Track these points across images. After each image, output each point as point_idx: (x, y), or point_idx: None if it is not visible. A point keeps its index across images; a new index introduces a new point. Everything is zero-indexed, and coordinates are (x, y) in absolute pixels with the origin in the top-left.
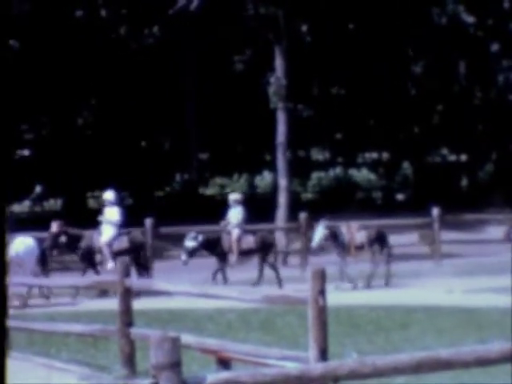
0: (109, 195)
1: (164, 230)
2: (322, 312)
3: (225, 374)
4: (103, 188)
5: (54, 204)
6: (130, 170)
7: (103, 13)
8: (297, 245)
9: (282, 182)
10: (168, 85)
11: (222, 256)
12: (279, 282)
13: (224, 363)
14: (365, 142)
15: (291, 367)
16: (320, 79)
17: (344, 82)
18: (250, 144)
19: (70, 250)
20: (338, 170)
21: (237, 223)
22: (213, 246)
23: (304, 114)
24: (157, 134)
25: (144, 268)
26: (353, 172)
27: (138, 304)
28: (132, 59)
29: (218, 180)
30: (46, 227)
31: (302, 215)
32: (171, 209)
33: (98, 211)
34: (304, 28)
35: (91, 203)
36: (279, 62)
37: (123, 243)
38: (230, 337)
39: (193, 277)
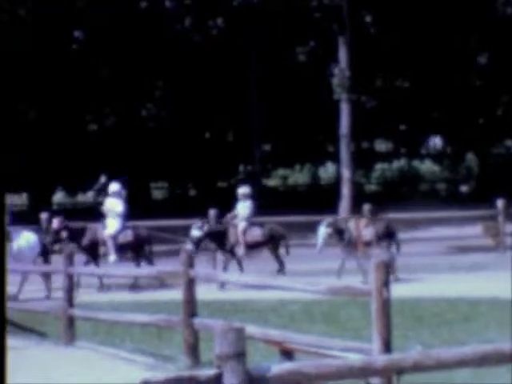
0: (114, 186)
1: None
2: (386, 304)
3: (288, 365)
4: (167, 179)
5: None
6: (194, 161)
7: (167, 4)
8: None
9: (346, 174)
10: (231, 76)
11: (228, 248)
12: (282, 274)
13: (287, 354)
14: (428, 133)
15: (355, 358)
16: (384, 70)
17: (408, 73)
18: (312, 135)
19: (72, 244)
20: (402, 162)
21: (244, 217)
22: (218, 237)
23: (367, 105)
24: (220, 125)
25: (149, 262)
26: (416, 163)
27: (201, 294)
28: (196, 51)
29: (281, 171)
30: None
31: (366, 206)
32: (235, 200)
33: (162, 202)
34: (368, 19)
35: (155, 194)
36: (343, 54)
37: (128, 237)
38: (292, 328)
39: (255, 268)
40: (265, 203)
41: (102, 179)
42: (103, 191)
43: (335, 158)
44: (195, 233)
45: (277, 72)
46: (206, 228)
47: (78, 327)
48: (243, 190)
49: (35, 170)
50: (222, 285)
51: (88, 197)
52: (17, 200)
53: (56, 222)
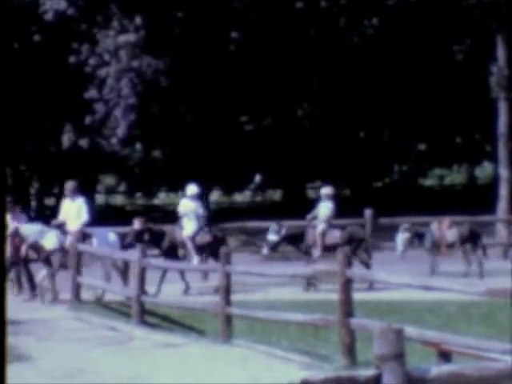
0: (193, 188)
1: (383, 220)
2: None
3: (449, 367)
4: (323, 179)
5: (273, 194)
6: (349, 160)
7: (323, 4)
8: None
9: (504, 173)
10: (386, 76)
11: (306, 250)
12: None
13: (445, 356)
14: None
15: None
16: None
17: None
18: (469, 134)
19: (154, 247)
20: None
21: (324, 218)
22: (296, 240)
23: None
24: (376, 124)
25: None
26: None
27: (357, 295)
28: (352, 51)
29: (437, 171)
30: (266, 217)
31: None
32: (389, 200)
33: (315, 202)
34: None
35: (310, 194)
36: (501, 52)
37: (206, 237)
38: (450, 329)
39: (409, 268)
40: (419, 203)
41: (257, 179)
42: (259, 191)
43: (492, 157)
44: (272, 237)
45: (433, 71)
46: (283, 232)
47: (234, 325)
48: (326, 191)
49: (191, 170)
50: (371, 285)
51: (245, 195)
52: (175, 199)
53: (137, 223)
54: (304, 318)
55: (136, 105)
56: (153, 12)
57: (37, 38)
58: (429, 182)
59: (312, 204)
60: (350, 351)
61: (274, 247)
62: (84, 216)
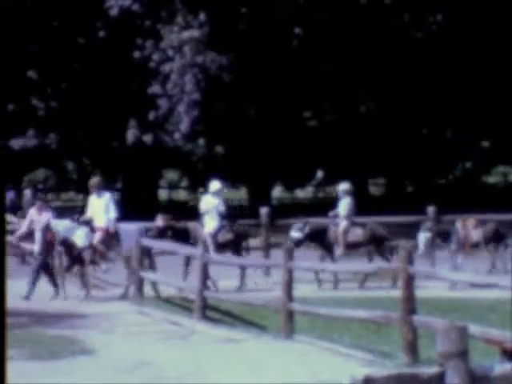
0: (216, 185)
1: (445, 217)
2: None
3: None
4: (385, 175)
5: (335, 190)
6: (412, 157)
7: (387, 0)
8: None
9: None
10: (449, 73)
11: (328, 248)
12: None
13: (508, 354)
14: None
15: None
16: None
17: None
18: None
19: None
20: None
21: (345, 215)
22: (319, 238)
23: None
24: (439, 121)
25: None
26: None
27: (419, 292)
28: (415, 47)
29: (501, 168)
30: (324, 213)
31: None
32: (453, 197)
33: (379, 198)
34: None
35: (372, 190)
36: None
37: (228, 235)
38: None
39: (473, 266)
40: (482, 201)
41: (319, 174)
42: (321, 186)
43: None
44: (295, 234)
45: (498, 68)
46: (306, 229)
47: (296, 321)
48: (343, 187)
49: (254, 166)
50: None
51: (307, 191)
52: (235, 195)
53: (160, 220)
54: (366, 315)
55: (199, 100)
56: (217, 8)
57: (102, 33)
58: (492, 179)
59: (375, 200)
60: (412, 348)
61: (297, 244)
62: (112, 213)
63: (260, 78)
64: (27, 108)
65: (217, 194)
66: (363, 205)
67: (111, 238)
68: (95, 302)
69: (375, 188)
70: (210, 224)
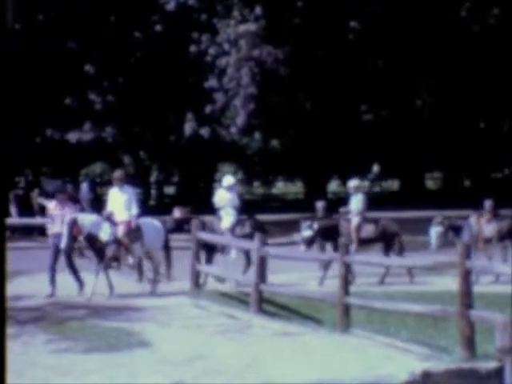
0: (229, 179)
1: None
2: None
3: None
4: (441, 169)
5: (391, 184)
6: (468, 151)
7: None
8: None
9: None
10: (505, 66)
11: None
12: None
13: None
14: None
15: None
16: None
17: None
18: None
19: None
20: None
21: (357, 211)
22: (330, 234)
23: None
24: (496, 115)
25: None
26: None
27: (477, 286)
28: (473, 40)
29: None
30: (383, 207)
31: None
32: (509, 191)
33: (436, 192)
34: None
35: (429, 184)
36: None
37: (245, 229)
38: None
39: None
40: None
41: (375, 169)
42: (377, 180)
43: None
44: (306, 233)
45: None
46: (315, 226)
47: (352, 315)
48: (353, 183)
49: (310, 160)
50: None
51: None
52: (291, 189)
53: (177, 212)
54: (422, 309)
55: (255, 94)
56: (273, 1)
57: (158, 28)
58: None
59: (432, 194)
60: (470, 343)
61: (310, 243)
62: (134, 208)
63: (316, 72)
64: (84, 102)
65: (230, 188)
66: (419, 199)
67: (133, 233)
68: (149, 295)
69: (432, 182)
70: (226, 219)
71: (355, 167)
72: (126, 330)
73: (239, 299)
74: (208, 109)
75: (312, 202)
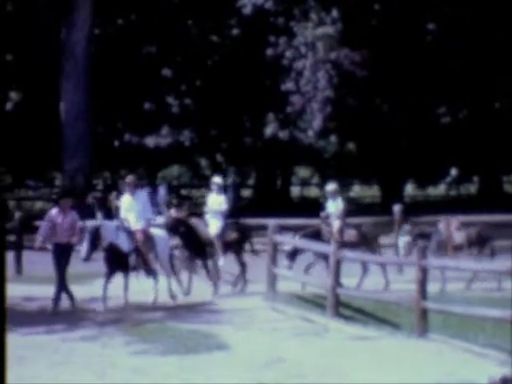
0: (217, 180)
1: None
2: None
3: None
4: None
5: (469, 188)
6: None
7: None
8: None
9: None
10: None
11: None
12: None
13: None
14: None
15: None
16: None
17: None
18: None
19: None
20: None
21: (337, 215)
22: (314, 239)
23: None
24: None
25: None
26: None
27: None
28: None
29: None
30: (461, 211)
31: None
32: None
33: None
34: None
35: (507, 188)
36: None
37: (232, 234)
38: None
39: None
40: None
41: (453, 172)
42: (454, 184)
43: None
44: (287, 247)
45: None
46: (297, 237)
47: (430, 319)
48: (331, 187)
49: (386, 163)
50: None
51: (439, 189)
52: (367, 192)
53: (175, 213)
54: (501, 314)
55: (332, 97)
56: (349, 4)
57: (235, 31)
58: None
59: (508, 198)
60: None
61: (292, 256)
62: (149, 214)
63: (393, 74)
64: (162, 106)
65: (218, 190)
66: (497, 202)
67: (149, 240)
68: (231, 297)
69: (509, 185)
70: (213, 224)
71: (432, 170)
72: (204, 332)
73: (315, 302)
74: (287, 111)
75: (388, 205)
